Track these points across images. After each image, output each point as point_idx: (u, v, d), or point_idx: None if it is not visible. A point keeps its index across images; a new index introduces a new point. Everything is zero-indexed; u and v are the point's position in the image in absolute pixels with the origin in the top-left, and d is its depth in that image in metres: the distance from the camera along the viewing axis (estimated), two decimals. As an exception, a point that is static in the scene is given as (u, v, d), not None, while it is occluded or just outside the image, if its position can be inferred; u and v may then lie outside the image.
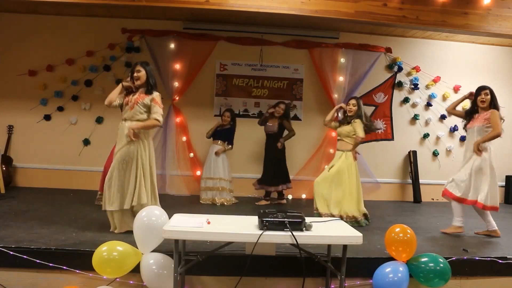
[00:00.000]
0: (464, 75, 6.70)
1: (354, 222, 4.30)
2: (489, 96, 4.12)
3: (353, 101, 4.61)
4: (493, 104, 4.13)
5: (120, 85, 3.72)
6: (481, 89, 4.19)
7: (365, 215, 4.47)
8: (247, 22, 6.12)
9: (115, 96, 3.68)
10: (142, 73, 3.65)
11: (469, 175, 4.07)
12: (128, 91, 3.71)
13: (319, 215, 4.35)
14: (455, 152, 6.74)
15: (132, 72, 3.69)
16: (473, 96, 4.27)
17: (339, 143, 4.64)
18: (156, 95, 3.64)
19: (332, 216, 4.25)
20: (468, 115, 4.30)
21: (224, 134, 5.63)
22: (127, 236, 3.06)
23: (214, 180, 5.53)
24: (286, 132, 5.65)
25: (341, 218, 4.19)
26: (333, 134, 6.49)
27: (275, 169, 5.57)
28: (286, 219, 2.49)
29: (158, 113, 3.60)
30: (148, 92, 3.63)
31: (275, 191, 5.65)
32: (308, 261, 2.84)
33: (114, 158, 3.61)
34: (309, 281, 2.88)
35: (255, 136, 6.14)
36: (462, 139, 6.67)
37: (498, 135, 3.99)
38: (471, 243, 3.72)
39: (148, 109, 3.62)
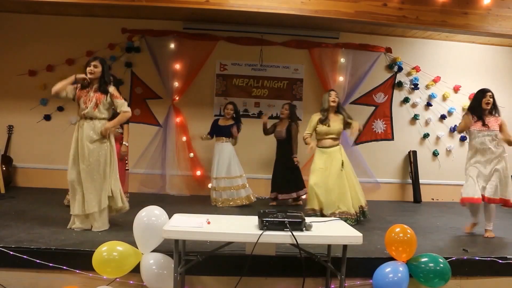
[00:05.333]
0: (464, 75, 6.71)
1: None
2: (492, 99, 4.12)
3: (335, 93, 4.63)
4: (496, 106, 4.15)
5: (73, 76, 3.68)
6: (485, 91, 4.15)
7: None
8: (247, 22, 6.12)
9: (64, 86, 3.64)
10: (98, 69, 3.66)
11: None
12: (83, 86, 3.70)
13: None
14: (455, 152, 6.74)
15: (88, 65, 3.67)
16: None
17: (328, 141, 4.51)
18: (112, 89, 3.72)
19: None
20: (474, 116, 4.17)
21: (228, 130, 5.42)
22: (127, 236, 3.06)
23: (231, 179, 5.33)
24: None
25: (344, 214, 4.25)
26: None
27: (287, 176, 5.46)
28: (286, 219, 2.48)
29: (123, 105, 3.72)
30: (103, 89, 3.67)
31: (288, 198, 5.50)
32: (308, 261, 2.83)
33: (87, 160, 3.64)
34: (309, 281, 2.88)
35: (256, 136, 6.13)
36: (462, 139, 6.67)
37: None
38: (471, 243, 3.72)
39: (110, 107, 3.74)
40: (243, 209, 5.15)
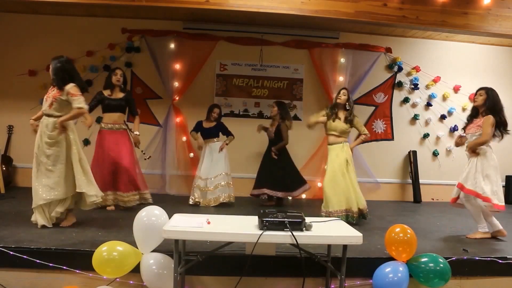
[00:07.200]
0: (464, 75, 6.71)
1: (359, 217, 4.32)
2: (482, 97, 3.92)
3: (344, 91, 4.48)
4: (488, 105, 3.88)
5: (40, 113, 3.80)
6: (478, 89, 4.04)
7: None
8: (247, 22, 6.13)
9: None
10: (50, 68, 3.71)
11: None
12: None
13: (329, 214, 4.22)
14: (455, 152, 6.73)
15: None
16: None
17: (332, 138, 4.45)
18: (69, 87, 3.65)
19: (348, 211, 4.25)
20: (470, 118, 4.08)
21: (214, 131, 5.46)
22: (127, 236, 3.06)
23: (217, 178, 5.30)
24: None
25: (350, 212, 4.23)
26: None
27: (279, 174, 5.39)
28: (286, 219, 2.48)
29: (78, 101, 3.64)
30: (60, 87, 3.65)
31: (283, 196, 5.45)
32: (308, 261, 2.84)
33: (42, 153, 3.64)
34: (309, 281, 2.88)
35: (255, 136, 6.13)
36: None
37: (484, 142, 3.86)
38: (471, 243, 3.72)
39: (68, 103, 3.67)
40: (242, 209, 5.16)
